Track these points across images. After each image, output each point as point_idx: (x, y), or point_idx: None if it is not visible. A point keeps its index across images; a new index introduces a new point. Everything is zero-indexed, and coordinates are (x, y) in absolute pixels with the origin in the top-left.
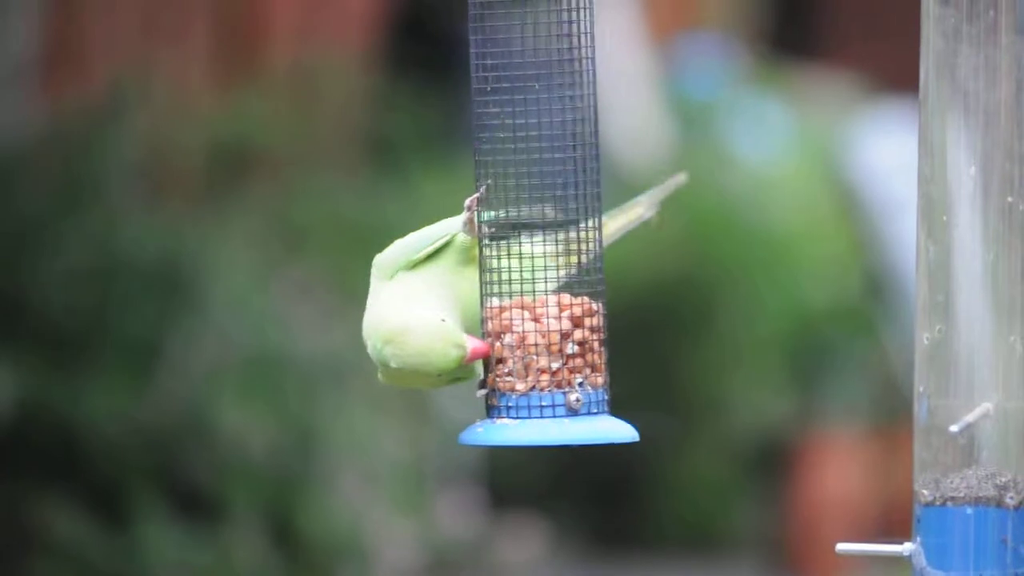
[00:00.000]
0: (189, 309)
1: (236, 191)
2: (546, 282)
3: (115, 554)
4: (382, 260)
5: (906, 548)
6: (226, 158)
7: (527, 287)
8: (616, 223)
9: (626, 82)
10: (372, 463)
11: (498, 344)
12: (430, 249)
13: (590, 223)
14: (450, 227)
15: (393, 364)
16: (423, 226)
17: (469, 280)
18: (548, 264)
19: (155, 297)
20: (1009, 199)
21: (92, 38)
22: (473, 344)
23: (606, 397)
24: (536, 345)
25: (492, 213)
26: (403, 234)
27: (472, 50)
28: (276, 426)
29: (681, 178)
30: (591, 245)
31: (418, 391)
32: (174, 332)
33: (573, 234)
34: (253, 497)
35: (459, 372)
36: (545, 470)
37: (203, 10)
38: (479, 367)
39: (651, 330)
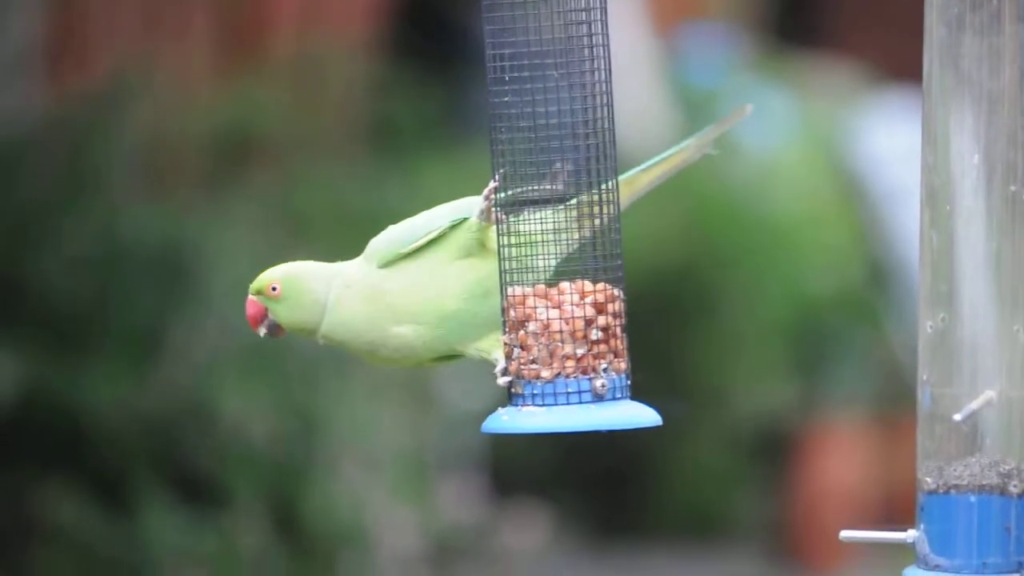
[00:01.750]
0: (191, 297)
1: (238, 179)
2: (558, 257)
3: (118, 540)
4: (377, 245)
5: (909, 535)
6: (228, 146)
7: (542, 273)
8: (667, 164)
9: (630, 71)
10: (374, 450)
11: (522, 332)
12: (418, 244)
13: (604, 195)
14: (453, 210)
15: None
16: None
17: (460, 268)
18: (561, 239)
19: (157, 285)
20: (1012, 187)
21: (95, 27)
22: (250, 306)
23: (628, 382)
24: (561, 332)
25: (503, 193)
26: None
27: (487, 40)
28: (278, 413)
29: (746, 110)
30: (608, 222)
31: (418, 376)
32: (176, 319)
33: (586, 206)
34: (255, 484)
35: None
36: (548, 457)
37: None
38: (498, 354)
39: (654, 318)
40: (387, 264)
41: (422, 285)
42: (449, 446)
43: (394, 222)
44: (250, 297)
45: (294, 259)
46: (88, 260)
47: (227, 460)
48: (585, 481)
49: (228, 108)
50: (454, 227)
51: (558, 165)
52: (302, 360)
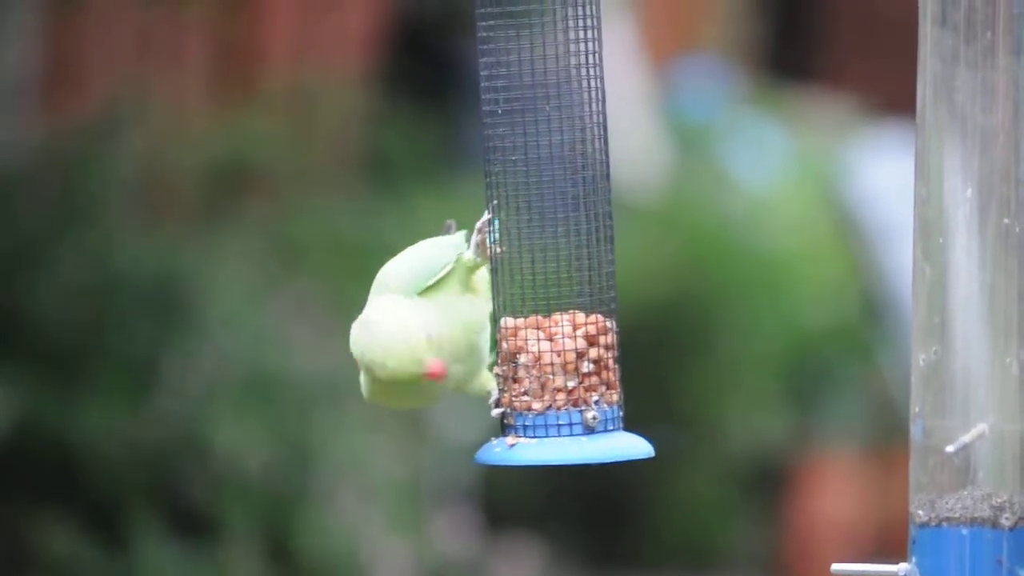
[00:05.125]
0: (186, 328)
1: (233, 210)
2: (559, 299)
3: (112, 572)
4: (391, 282)
5: (901, 569)
6: (223, 177)
7: (540, 305)
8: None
9: (624, 104)
10: (368, 482)
11: (512, 364)
12: (440, 276)
13: (602, 242)
14: (449, 251)
15: (355, 350)
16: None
17: (469, 303)
18: (560, 281)
19: (152, 315)
20: (1006, 221)
21: (89, 58)
22: (433, 364)
23: (621, 414)
24: (552, 364)
25: (496, 233)
26: (400, 252)
27: (481, 72)
28: (273, 444)
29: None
30: (603, 262)
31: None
32: (171, 350)
33: (583, 251)
34: (250, 515)
35: (421, 390)
36: (541, 489)
37: (200, 29)
38: (491, 385)
39: (648, 351)
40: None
41: (452, 319)
42: (443, 478)
43: (388, 254)
44: (438, 359)
45: (289, 290)
46: (83, 290)
47: (222, 491)
48: (578, 513)
49: (223, 139)
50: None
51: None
52: (297, 391)
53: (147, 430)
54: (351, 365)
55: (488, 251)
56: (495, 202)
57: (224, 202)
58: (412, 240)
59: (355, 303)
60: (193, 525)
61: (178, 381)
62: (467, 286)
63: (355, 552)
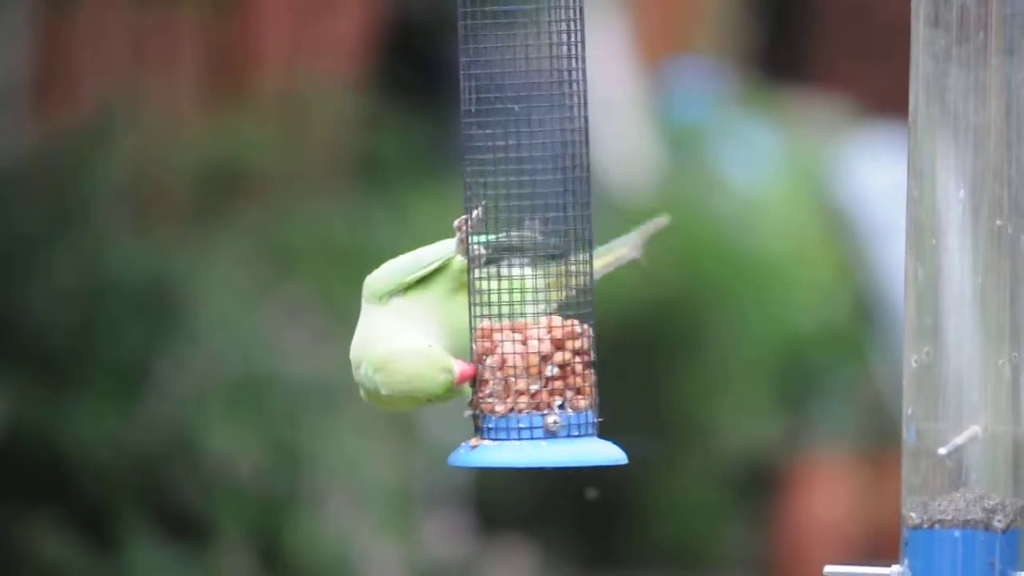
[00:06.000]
0: (178, 331)
1: (225, 214)
2: (536, 304)
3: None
4: (374, 281)
5: (894, 571)
6: (215, 181)
7: (516, 309)
8: (600, 262)
9: (615, 105)
10: (360, 485)
11: (480, 366)
12: (423, 272)
13: (580, 246)
14: (443, 250)
15: (384, 391)
16: (413, 248)
17: (460, 306)
18: (538, 286)
19: (144, 319)
20: (998, 222)
21: (82, 61)
22: (461, 367)
23: (592, 420)
24: (515, 367)
25: (484, 237)
26: (393, 256)
27: (461, 71)
28: (264, 448)
29: (663, 220)
30: (582, 268)
31: (404, 412)
32: (163, 354)
33: (564, 257)
34: (241, 519)
35: (449, 394)
36: (533, 492)
37: (192, 33)
38: (468, 387)
39: (639, 353)
40: (386, 299)
41: (439, 319)
42: (435, 481)
43: (381, 257)
44: (459, 360)
45: (281, 294)
46: (74, 294)
47: (213, 495)
48: (571, 516)
49: (215, 142)
50: (449, 261)
51: (537, 223)
52: (289, 395)
53: (138, 433)
54: (343, 368)
55: (467, 250)
56: (484, 202)
57: (216, 206)
58: (404, 243)
59: (348, 307)
60: (184, 529)
61: (169, 385)
62: (457, 289)
63: (346, 556)
